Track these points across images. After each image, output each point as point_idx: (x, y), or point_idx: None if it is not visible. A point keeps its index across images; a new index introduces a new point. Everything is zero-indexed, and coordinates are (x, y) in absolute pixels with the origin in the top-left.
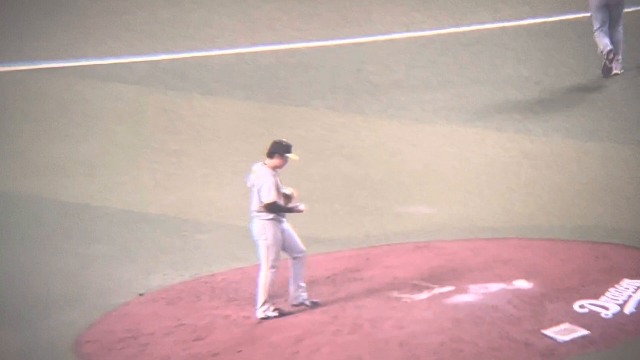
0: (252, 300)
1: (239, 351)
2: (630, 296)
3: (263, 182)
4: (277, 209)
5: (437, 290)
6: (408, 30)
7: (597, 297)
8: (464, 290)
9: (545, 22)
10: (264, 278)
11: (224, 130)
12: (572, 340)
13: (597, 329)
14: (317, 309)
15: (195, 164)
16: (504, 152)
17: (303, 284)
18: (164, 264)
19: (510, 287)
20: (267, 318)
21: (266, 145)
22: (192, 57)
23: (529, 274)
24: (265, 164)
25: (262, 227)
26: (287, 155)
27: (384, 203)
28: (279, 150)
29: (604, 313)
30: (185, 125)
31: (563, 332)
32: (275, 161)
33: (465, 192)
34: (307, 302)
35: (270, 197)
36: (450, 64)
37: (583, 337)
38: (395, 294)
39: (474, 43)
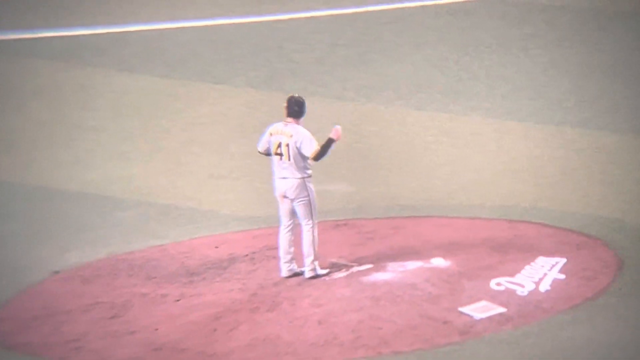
0: (170, 278)
1: (157, 329)
2: (545, 274)
3: (303, 136)
4: (323, 153)
5: (356, 268)
6: (329, 8)
7: (513, 275)
8: (383, 269)
9: (465, 2)
10: (311, 235)
11: (144, 107)
12: (489, 318)
13: (514, 306)
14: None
15: (115, 141)
16: (424, 131)
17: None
18: (82, 242)
19: (428, 265)
20: (316, 277)
21: (285, 104)
22: (110, 33)
23: (448, 252)
24: (289, 122)
25: (302, 186)
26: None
27: None
28: (306, 111)
29: (519, 290)
30: (104, 102)
31: (480, 310)
32: (302, 120)
33: (385, 171)
34: (298, 270)
35: (314, 146)
36: (372, 42)
37: (500, 314)
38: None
39: (395, 21)
